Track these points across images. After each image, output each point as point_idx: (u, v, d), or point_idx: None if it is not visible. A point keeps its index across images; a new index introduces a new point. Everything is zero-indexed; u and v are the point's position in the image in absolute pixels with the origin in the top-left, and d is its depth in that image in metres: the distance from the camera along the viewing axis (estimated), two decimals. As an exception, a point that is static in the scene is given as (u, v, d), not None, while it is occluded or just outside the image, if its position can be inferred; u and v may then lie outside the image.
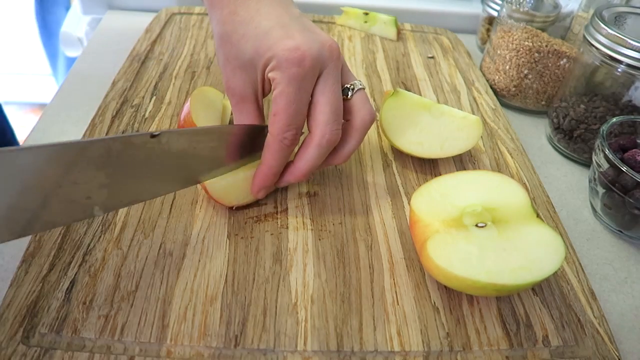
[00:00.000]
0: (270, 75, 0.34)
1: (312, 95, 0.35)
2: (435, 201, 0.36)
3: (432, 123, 0.45)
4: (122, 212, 0.38)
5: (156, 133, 0.30)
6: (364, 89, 0.37)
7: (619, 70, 0.49)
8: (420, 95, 0.57)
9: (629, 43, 0.46)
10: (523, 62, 0.58)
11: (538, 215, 0.35)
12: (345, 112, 0.37)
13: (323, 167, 0.42)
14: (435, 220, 0.35)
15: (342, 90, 0.37)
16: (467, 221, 0.35)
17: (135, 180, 0.31)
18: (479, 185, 0.37)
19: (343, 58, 0.37)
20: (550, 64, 0.57)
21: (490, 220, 0.35)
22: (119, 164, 0.29)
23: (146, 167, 0.31)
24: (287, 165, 0.38)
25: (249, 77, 0.35)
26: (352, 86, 0.37)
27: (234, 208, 0.39)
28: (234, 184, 0.37)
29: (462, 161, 0.48)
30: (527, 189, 0.38)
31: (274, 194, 0.41)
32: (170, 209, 0.39)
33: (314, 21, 0.71)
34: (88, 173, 0.28)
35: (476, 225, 0.34)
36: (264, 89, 0.36)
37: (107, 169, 0.29)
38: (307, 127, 0.36)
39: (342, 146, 0.37)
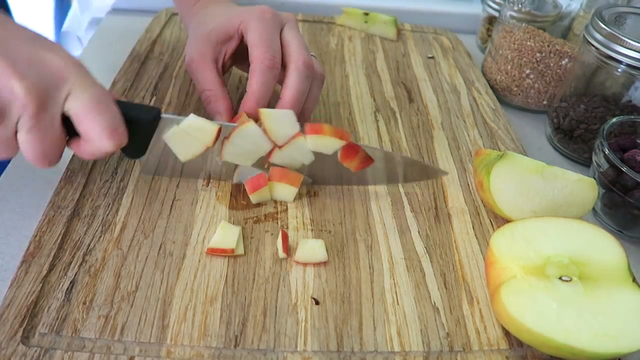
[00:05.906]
0: (243, 26, 0.42)
1: (281, 41, 0.42)
2: (517, 244, 0.34)
3: (545, 188, 0.40)
4: (122, 212, 0.38)
5: None
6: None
7: (619, 70, 0.49)
8: (421, 95, 0.57)
9: (629, 43, 0.46)
10: (525, 61, 0.58)
11: (634, 280, 0.32)
12: None
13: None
14: (515, 264, 0.33)
15: None
16: (550, 272, 0.32)
17: None
18: (570, 235, 0.34)
19: None
20: (552, 64, 0.57)
21: (577, 275, 0.32)
22: None
23: None
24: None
25: (208, 44, 0.43)
26: None
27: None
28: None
29: (462, 160, 0.48)
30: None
31: (274, 194, 0.41)
32: (170, 209, 0.39)
33: (314, 21, 0.71)
34: None
35: (560, 278, 0.31)
36: (225, 56, 0.44)
37: None
38: (285, 64, 0.41)
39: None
